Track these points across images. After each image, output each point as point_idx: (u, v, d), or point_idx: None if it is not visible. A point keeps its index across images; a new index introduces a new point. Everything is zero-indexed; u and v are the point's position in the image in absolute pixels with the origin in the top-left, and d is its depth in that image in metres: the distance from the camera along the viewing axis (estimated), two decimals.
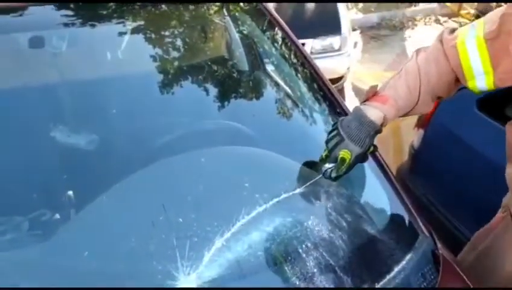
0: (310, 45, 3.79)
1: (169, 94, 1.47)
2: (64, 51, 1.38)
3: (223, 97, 1.52)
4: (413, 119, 2.24)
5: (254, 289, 0.88)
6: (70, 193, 1.16)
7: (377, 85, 1.11)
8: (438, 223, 1.80)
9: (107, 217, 1.01)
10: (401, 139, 2.59)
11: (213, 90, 1.53)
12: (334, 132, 1.05)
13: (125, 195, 1.05)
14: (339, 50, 3.87)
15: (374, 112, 1.03)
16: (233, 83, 1.64)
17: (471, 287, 1.00)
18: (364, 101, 1.08)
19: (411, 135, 2.16)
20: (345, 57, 3.92)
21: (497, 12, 1.01)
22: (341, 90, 4.07)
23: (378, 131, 1.04)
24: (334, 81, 3.85)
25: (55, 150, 1.29)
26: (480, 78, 1.03)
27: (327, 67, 3.76)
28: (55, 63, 1.40)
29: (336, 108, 1.33)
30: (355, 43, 4.65)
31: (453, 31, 1.08)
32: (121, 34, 1.51)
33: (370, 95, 1.08)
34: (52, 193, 1.18)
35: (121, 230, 0.98)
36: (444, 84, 1.08)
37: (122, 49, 1.52)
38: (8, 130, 1.27)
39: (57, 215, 1.11)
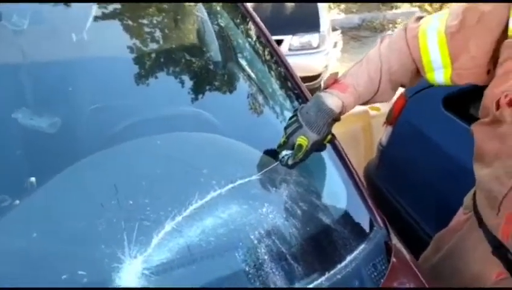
0: (288, 41, 3.80)
1: (135, 79, 1.44)
2: (26, 29, 1.34)
3: (192, 85, 1.51)
4: (384, 117, 2.26)
5: None
6: (33, 179, 1.13)
7: (337, 72, 1.11)
8: (401, 219, 1.82)
9: (58, 199, 0.99)
10: (372, 136, 2.62)
11: (182, 78, 1.51)
12: (293, 118, 1.04)
13: (78, 177, 1.03)
14: (317, 48, 3.90)
15: (332, 100, 1.03)
16: (202, 72, 1.63)
17: (421, 278, 1.00)
18: (325, 89, 1.08)
19: (381, 132, 2.18)
20: (323, 55, 3.95)
21: (461, 5, 1.00)
22: (318, 88, 4.09)
23: (336, 119, 1.04)
24: (312, 78, 3.87)
25: (17, 133, 1.25)
26: (439, 72, 1.03)
27: (304, 64, 3.78)
28: (16, 41, 1.36)
29: (302, 103, 1.33)
30: (336, 43, 4.68)
31: (419, 19, 1.07)
32: (89, 15, 1.48)
33: (330, 83, 1.08)
34: (13, 178, 1.15)
35: (71, 212, 0.95)
36: (405, 72, 1.08)
37: (89, 31, 1.49)
38: None
39: (17, 201, 1.08)
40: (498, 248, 1.06)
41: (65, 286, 0.82)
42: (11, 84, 1.33)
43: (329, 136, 1.04)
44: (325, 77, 4.15)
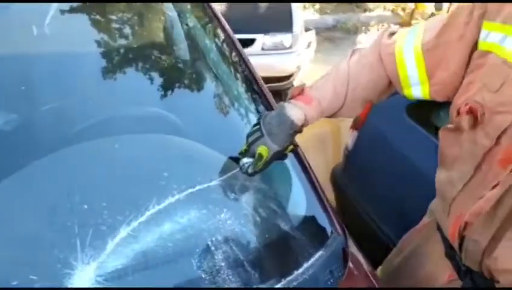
0: (260, 40, 3.80)
1: (98, 76, 1.41)
2: None
3: (157, 85, 1.48)
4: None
5: None
6: None
7: (304, 84, 1.11)
8: (364, 223, 1.85)
9: (9, 201, 0.96)
10: (340, 140, 2.65)
11: (146, 77, 1.49)
12: (256, 127, 1.04)
13: (31, 179, 1.00)
14: (289, 48, 3.90)
15: (295, 112, 1.03)
16: (167, 72, 1.61)
17: (375, 285, 1.02)
18: (290, 99, 1.08)
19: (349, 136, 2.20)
20: (295, 55, 3.96)
21: (437, 20, 1.00)
22: (289, 89, 4.10)
23: (298, 131, 1.04)
24: (283, 79, 3.88)
25: None
26: (416, 88, 1.03)
27: (277, 64, 3.79)
28: None
29: (267, 107, 1.33)
30: (309, 43, 4.70)
31: (391, 34, 1.06)
32: (51, 7, 1.44)
33: (295, 94, 1.08)
34: None
35: (24, 215, 0.93)
36: (374, 89, 1.07)
37: (51, 24, 1.45)
38: None
39: None
40: (450, 249, 1.10)
41: None
42: None
43: (290, 147, 1.04)
44: (296, 77, 4.17)
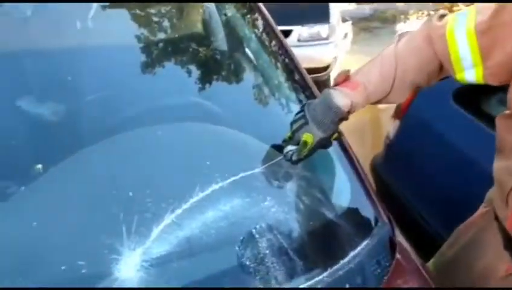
0: (297, 32, 3.76)
1: (139, 67, 1.43)
2: (29, 16, 1.33)
3: (197, 75, 1.49)
4: (393, 109, 2.23)
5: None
6: (39, 166, 1.12)
7: (349, 70, 1.08)
8: (408, 214, 1.79)
9: (58, 189, 0.98)
10: (380, 129, 2.59)
11: (187, 67, 1.50)
12: (300, 114, 1.02)
13: (78, 168, 1.02)
14: (326, 39, 3.84)
15: (341, 98, 1.00)
16: (208, 62, 1.61)
17: (426, 277, 0.98)
18: (335, 86, 1.05)
19: (390, 125, 2.14)
20: (332, 46, 3.90)
21: (491, 4, 0.94)
22: (326, 80, 4.05)
23: (344, 118, 1.01)
24: (320, 70, 3.83)
25: (22, 121, 1.25)
26: (469, 71, 0.98)
27: (313, 55, 3.74)
28: (20, 28, 1.35)
29: (310, 96, 1.31)
30: (346, 34, 4.62)
31: (442, 17, 1.02)
32: (93, 2, 1.46)
33: (340, 80, 1.05)
34: (17, 165, 1.15)
35: (72, 202, 0.95)
36: (423, 73, 1.03)
37: (94, 18, 1.47)
38: None
39: (22, 188, 1.08)
40: (509, 241, 1.04)
41: (64, 276, 0.81)
42: (15, 71, 1.32)
43: (335, 134, 1.02)
44: (333, 68, 4.10)
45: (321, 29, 3.80)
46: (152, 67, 1.45)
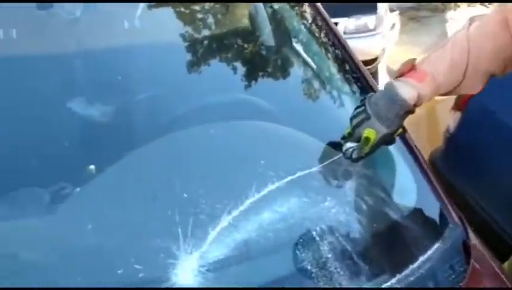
0: (343, 24, 3.65)
1: (187, 66, 1.40)
2: (79, 17, 1.33)
3: (245, 71, 1.45)
4: (451, 101, 2.10)
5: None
6: (92, 167, 1.12)
7: (414, 59, 1.00)
8: (472, 214, 1.67)
9: (112, 190, 0.96)
10: (437, 123, 2.45)
11: (235, 64, 1.46)
12: (361, 108, 0.95)
13: (130, 169, 1.00)
14: (373, 30, 3.71)
15: (407, 90, 0.92)
16: (257, 57, 1.56)
17: (504, 280, 0.89)
18: (399, 77, 0.97)
19: (449, 119, 2.02)
20: (379, 37, 3.76)
21: None
22: (374, 73, 3.91)
23: (410, 111, 0.93)
24: (368, 62, 3.71)
25: (73, 122, 1.25)
26: None
27: (360, 47, 3.61)
28: (69, 29, 1.35)
29: (366, 89, 1.23)
30: (393, 24, 4.45)
31: None
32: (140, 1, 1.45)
33: (405, 70, 0.97)
34: (70, 166, 1.15)
35: (127, 204, 0.93)
36: (499, 60, 0.95)
37: (141, 17, 1.46)
38: (24, 101, 1.24)
39: (78, 189, 1.08)
40: None
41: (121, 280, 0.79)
42: (65, 73, 1.33)
43: (399, 130, 0.94)
44: (382, 60, 3.96)
45: (368, 20, 3.67)
46: (200, 65, 1.42)
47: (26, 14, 1.31)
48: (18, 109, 1.21)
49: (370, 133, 0.90)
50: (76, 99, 1.27)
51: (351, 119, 0.95)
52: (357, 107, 0.96)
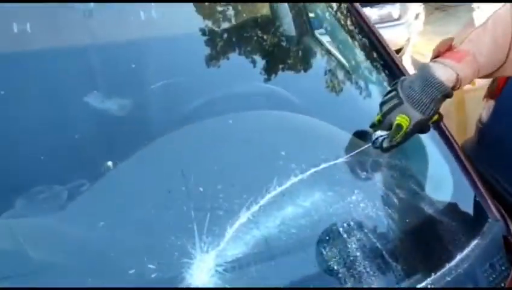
0: (366, 13, 3.54)
1: (206, 56, 1.35)
2: (93, 9, 1.29)
3: (266, 61, 1.38)
4: (481, 91, 1.99)
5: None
6: (110, 163, 1.08)
7: (452, 38, 0.91)
8: (507, 208, 1.57)
9: (124, 187, 0.92)
10: (466, 114, 2.34)
11: (256, 54, 1.40)
12: (392, 93, 0.87)
13: (147, 163, 0.95)
14: (398, 19, 3.59)
15: (444, 71, 0.84)
16: (278, 47, 1.50)
17: None
18: (435, 57, 0.89)
19: (478, 109, 1.91)
20: (404, 27, 3.63)
21: None
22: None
23: (448, 95, 0.85)
24: None
25: (90, 117, 1.21)
26: None
27: (385, 37, 3.50)
28: (84, 22, 1.31)
29: (395, 75, 1.15)
30: (417, 14, 4.30)
31: None
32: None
33: (442, 50, 0.88)
34: (89, 162, 1.11)
35: (139, 200, 0.88)
36: None
37: (158, 7, 1.41)
38: (39, 96, 1.21)
39: (95, 185, 1.04)
40: None
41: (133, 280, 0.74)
42: (82, 66, 1.29)
43: (436, 116, 0.86)
44: (406, 51, 3.83)
45: (392, 9, 3.55)
46: (219, 55, 1.36)
47: (39, 7, 1.28)
48: (33, 104, 1.17)
49: (402, 119, 0.83)
50: (93, 93, 1.23)
51: (381, 105, 0.87)
52: (388, 92, 0.88)
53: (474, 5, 5.72)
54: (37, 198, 0.98)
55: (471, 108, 2.30)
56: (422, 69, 0.85)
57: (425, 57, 3.81)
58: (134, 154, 0.95)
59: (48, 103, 1.18)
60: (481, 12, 5.35)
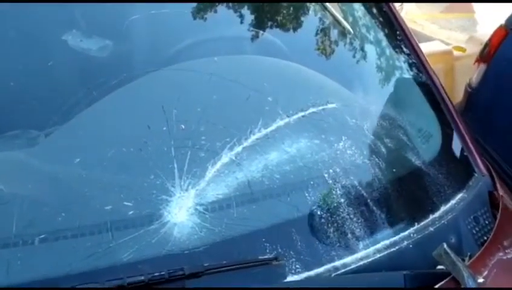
0: None
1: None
2: None
3: (258, 6, 1.32)
4: (470, 60, 1.98)
5: None
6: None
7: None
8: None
9: (103, 123, 0.87)
10: (454, 80, 2.32)
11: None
12: None
13: (128, 100, 0.91)
14: None
15: None
16: None
17: None
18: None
19: (466, 76, 1.90)
20: None
21: None
22: None
23: None
24: None
25: (68, 55, 1.15)
26: None
27: None
28: None
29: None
30: None
31: None
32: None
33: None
34: (63, 100, 1.06)
35: (118, 137, 0.84)
36: None
37: None
38: (18, 34, 1.14)
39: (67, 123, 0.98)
40: None
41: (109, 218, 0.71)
42: (61, 5, 1.22)
43: None
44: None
45: None
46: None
47: None
48: (8, 45, 1.10)
49: None
50: (72, 32, 1.16)
51: None
52: None
53: None
54: (12, 142, 0.93)
55: (460, 75, 2.29)
56: None
57: (419, 25, 3.75)
58: (114, 91, 0.91)
59: (24, 43, 1.12)
60: None
